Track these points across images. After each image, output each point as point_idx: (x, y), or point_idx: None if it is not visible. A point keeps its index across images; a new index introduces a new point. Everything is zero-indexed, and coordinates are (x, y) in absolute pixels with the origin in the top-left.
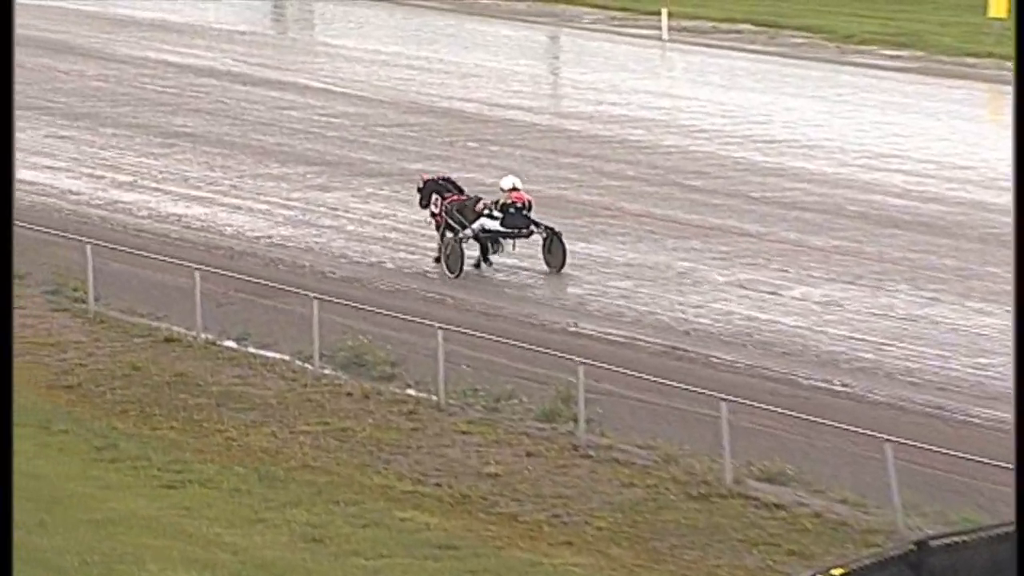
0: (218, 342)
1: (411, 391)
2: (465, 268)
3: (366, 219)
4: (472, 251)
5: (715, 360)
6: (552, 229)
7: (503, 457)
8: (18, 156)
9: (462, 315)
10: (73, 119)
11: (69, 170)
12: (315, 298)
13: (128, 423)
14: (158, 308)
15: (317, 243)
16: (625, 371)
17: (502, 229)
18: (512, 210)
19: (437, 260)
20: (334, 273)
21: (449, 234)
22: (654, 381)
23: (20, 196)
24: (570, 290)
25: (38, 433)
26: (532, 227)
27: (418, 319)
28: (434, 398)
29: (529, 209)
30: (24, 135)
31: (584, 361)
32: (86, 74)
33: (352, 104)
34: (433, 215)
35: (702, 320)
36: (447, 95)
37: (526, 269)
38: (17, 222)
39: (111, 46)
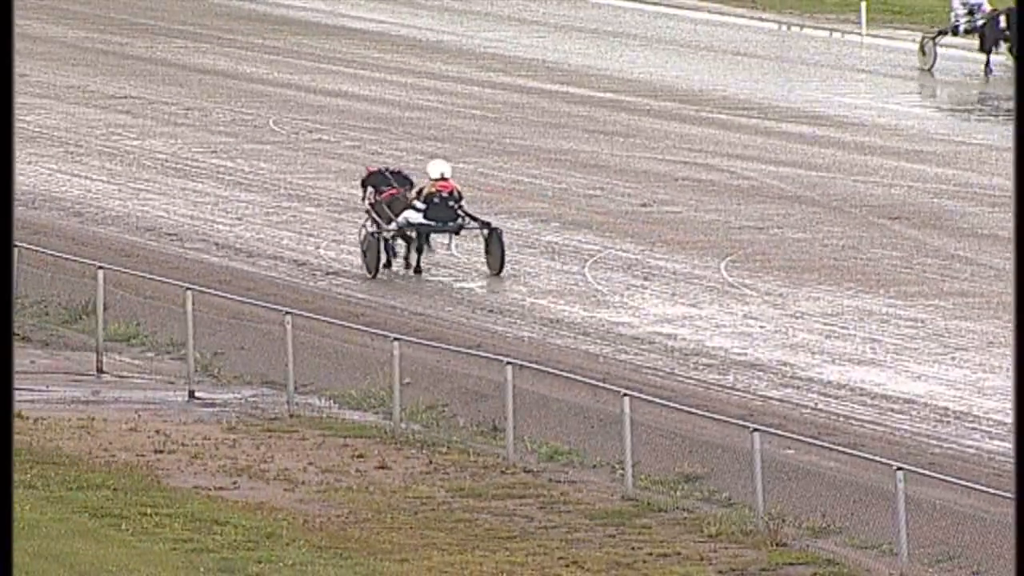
0: None
1: None
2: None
3: None
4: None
5: None
6: (489, 224)
7: None
8: None
9: None
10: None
11: None
12: None
13: None
14: None
15: None
16: None
17: (423, 222)
18: (436, 200)
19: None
20: None
21: (370, 229)
22: None
23: None
24: None
25: None
26: (462, 221)
27: None
28: None
29: (458, 200)
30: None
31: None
32: None
33: None
34: (367, 212)
35: None
36: None
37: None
38: None
39: None
